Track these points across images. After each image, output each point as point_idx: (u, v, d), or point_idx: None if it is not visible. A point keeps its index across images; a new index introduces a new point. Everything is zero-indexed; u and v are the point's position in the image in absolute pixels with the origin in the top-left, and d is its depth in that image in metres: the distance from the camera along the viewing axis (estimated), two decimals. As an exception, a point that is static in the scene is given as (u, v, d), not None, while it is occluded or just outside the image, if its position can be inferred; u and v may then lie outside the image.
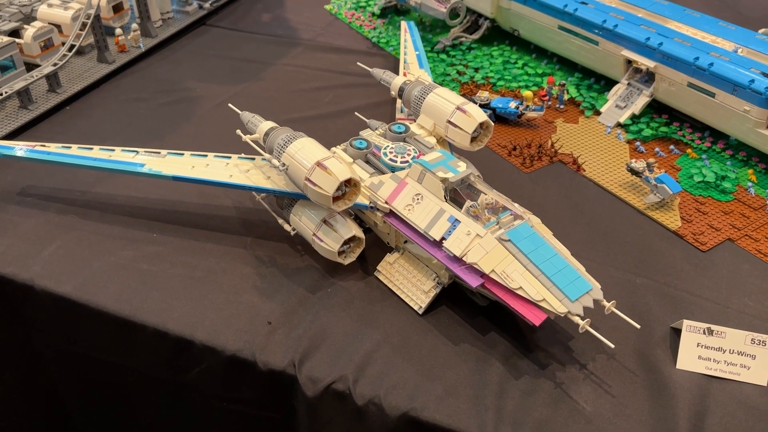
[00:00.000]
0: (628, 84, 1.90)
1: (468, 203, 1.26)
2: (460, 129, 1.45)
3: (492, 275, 1.19)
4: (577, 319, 1.13)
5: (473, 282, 1.20)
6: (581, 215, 1.59)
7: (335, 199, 1.30)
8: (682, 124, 1.85)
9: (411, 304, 1.34)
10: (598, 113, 1.93)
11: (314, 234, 1.35)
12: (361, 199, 1.36)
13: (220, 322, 1.31)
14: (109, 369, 1.43)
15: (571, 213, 1.60)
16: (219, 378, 1.32)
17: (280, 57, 2.27)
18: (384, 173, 1.40)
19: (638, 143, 1.81)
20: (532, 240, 1.21)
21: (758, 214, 1.57)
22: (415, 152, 1.43)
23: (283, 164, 1.32)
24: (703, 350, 1.23)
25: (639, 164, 1.60)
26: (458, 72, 2.15)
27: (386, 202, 1.34)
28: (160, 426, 1.48)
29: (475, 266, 1.20)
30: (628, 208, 1.61)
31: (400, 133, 1.49)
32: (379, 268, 1.40)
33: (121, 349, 1.38)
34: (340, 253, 1.36)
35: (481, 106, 1.91)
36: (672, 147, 1.79)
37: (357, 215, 1.48)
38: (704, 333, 1.23)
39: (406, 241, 1.41)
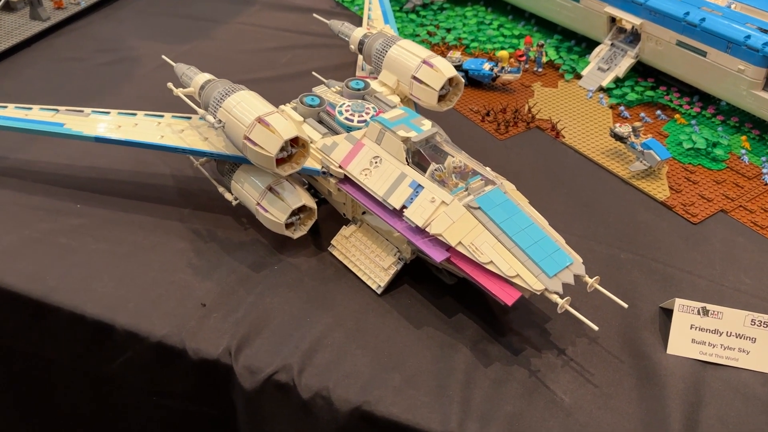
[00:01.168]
0: (612, 45, 1.75)
1: (433, 166, 1.10)
2: (427, 86, 1.28)
3: (459, 248, 1.03)
4: (555, 298, 0.98)
5: (437, 256, 1.04)
6: (560, 185, 1.44)
7: (280, 161, 1.13)
8: (670, 88, 1.70)
9: (369, 282, 1.18)
10: (579, 77, 1.78)
11: (258, 203, 1.18)
12: (312, 163, 1.19)
13: (146, 304, 1.14)
14: (21, 358, 1.25)
15: (549, 183, 1.45)
16: (146, 369, 1.15)
17: (234, 15, 2.08)
18: (339, 134, 1.23)
19: (622, 108, 1.66)
20: (505, 208, 1.05)
21: (753, 184, 1.43)
22: (375, 111, 1.26)
23: (219, 121, 1.14)
24: (697, 333, 1.08)
25: (623, 129, 1.45)
26: (429, 33, 1.98)
27: (340, 167, 1.17)
28: (84, 425, 1.31)
29: (440, 238, 1.04)
30: (611, 177, 1.46)
31: (359, 89, 1.31)
32: (333, 242, 1.24)
33: (34, 336, 1.20)
34: (288, 225, 1.19)
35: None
36: (659, 112, 1.64)
37: (309, 183, 1.31)
38: (698, 313, 1.09)
39: (364, 212, 1.24)
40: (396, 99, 1.34)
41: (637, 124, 1.45)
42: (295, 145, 1.12)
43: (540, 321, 1.13)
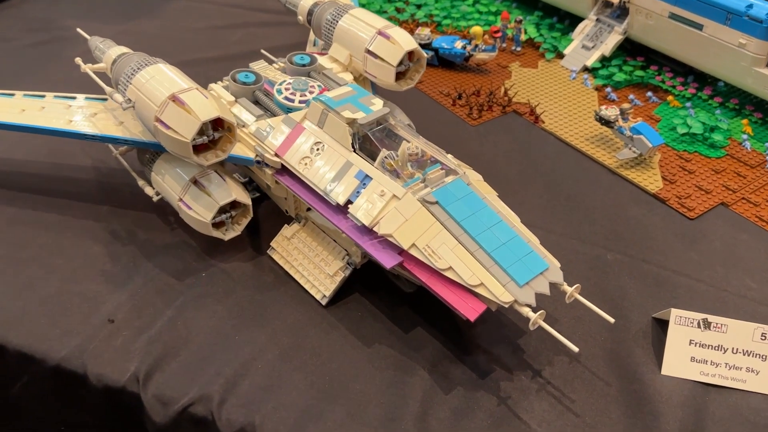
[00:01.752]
0: (597, 20, 1.58)
1: (383, 153, 0.92)
2: (382, 60, 1.10)
3: (413, 252, 0.85)
4: (526, 312, 0.80)
5: (386, 261, 0.87)
6: (538, 175, 1.27)
7: (201, 148, 0.94)
8: (661, 67, 1.53)
9: (312, 292, 1.00)
10: (561, 56, 1.60)
11: (180, 199, 0.99)
12: (245, 151, 1.01)
13: (44, 320, 0.95)
14: None
15: (526, 173, 1.28)
16: (47, 396, 0.96)
17: (181, -8, 1.89)
18: (277, 116, 1.04)
19: (609, 90, 1.48)
20: (468, 202, 0.88)
21: (756, 173, 1.27)
22: (320, 89, 1.07)
23: (128, 100, 0.96)
24: (697, 349, 0.91)
25: (610, 112, 1.28)
26: (397, 9, 1.80)
27: (276, 155, 0.99)
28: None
29: (390, 239, 0.86)
30: (596, 166, 1.29)
31: (304, 65, 1.13)
32: (272, 244, 1.06)
33: None
34: (217, 225, 1.01)
35: (421, 46, 1.56)
36: (649, 94, 1.47)
37: (248, 174, 1.13)
38: (698, 326, 0.92)
39: (309, 209, 1.06)
40: (348, 77, 1.16)
41: (626, 106, 1.28)
42: (220, 128, 0.94)
43: (512, 336, 0.96)
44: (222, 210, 1.00)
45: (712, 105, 1.43)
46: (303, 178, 0.96)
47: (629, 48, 1.57)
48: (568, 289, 0.84)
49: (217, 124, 0.94)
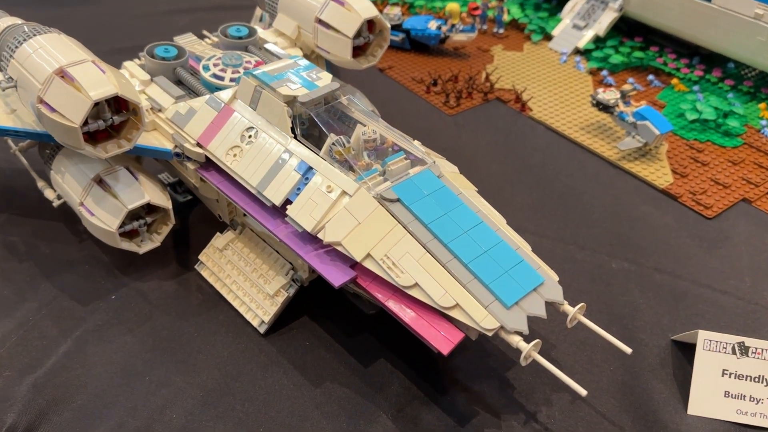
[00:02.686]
0: (589, -4, 1.40)
1: (331, 139, 0.72)
2: (336, 31, 0.91)
3: (368, 264, 0.66)
4: (516, 341, 0.61)
5: (334, 278, 0.67)
6: (527, 170, 1.08)
7: (100, 137, 0.75)
8: (663, 48, 1.35)
9: (248, 317, 0.80)
10: (549, 38, 1.42)
11: (81, 203, 0.79)
12: (162, 142, 0.81)
13: None
14: None
15: (512, 168, 1.09)
16: None
17: (124, -25, 1.69)
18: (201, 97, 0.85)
19: (605, 74, 1.30)
20: (440, 199, 0.68)
21: (780, 164, 1.09)
22: (258, 63, 0.88)
23: (9, 78, 0.76)
24: (732, 382, 0.73)
25: (609, 95, 1.10)
26: (364, -8, 1.61)
27: (198, 144, 0.79)
28: None
29: (339, 249, 0.67)
30: (594, 159, 1.10)
31: (240, 38, 0.93)
32: (201, 257, 0.86)
33: None
34: (129, 234, 0.81)
35: (391, 28, 1.37)
36: (651, 77, 1.29)
37: (177, 173, 0.93)
38: (733, 352, 0.73)
39: (246, 213, 0.87)
40: (297, 53, 0.97)
41: (627, 87, 1.09)
42: (123, 110, 0.74)
43: (499, 368, 0.77)
44: (133, 216, 0.80)
45: (723, 88, 1.25)
46: (231, 173, 0.76)
47: (625, 28, 1.39)
48: (570, 310, 0.64)
49: (121, 105, 0.74)
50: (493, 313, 0.61)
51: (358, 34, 0.91)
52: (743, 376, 0.72)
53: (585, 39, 1.35)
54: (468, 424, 0.71)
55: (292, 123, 0.74)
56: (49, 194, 0.87)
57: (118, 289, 0.84)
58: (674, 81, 1.26)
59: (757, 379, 0.72)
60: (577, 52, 1.36)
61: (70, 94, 0.70)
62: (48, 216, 0.94)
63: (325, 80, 0.77)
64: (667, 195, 1.03)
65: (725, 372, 0.73)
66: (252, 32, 0.94)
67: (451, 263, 0.64)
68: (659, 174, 1.06)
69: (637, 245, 0.94)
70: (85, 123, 0.71)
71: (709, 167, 1.07)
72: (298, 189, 0.71)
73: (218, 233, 0.86)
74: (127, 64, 0.90)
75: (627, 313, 0.84)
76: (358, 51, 0.95)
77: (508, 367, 0.77)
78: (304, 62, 0.80)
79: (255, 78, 0.76)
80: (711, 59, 1.31)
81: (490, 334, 0.61)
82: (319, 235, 0.68)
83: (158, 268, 0.87)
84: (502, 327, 0.61)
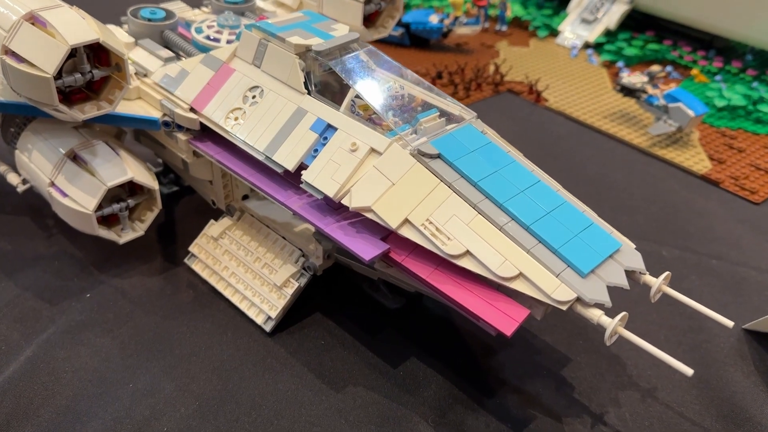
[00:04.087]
0: (597, -10, 1.34)
1: (353, 92, 0.61)
2: (345, -3, 0.81)
3: (405, 232, 0.54)
4: (598, 316, 0.49)
5: (365, 252, 0.55)
6: (551, 159, 0.98)
7: (73, 98, 0.63)
8: (676, 42, 1.28)
9: (251, 313, 0.68)
10: (555, 35, 1.35)
11: (52, 183, 0.67)
12: (147, 111, 0.69)
13: None
14: None
15: (535, 157, 0.97)
16: None
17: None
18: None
19: (621, 65, 1.22)
20: (488, 154, 0.57)
21: (821, 149, 1.01)
22: (258, 29, 0.77)
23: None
24: (829, 371, 0.62)
25: (635, 79, 1.01)
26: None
27: (192, 109, 0.67)
28: None
29: (369, 215, 0.55)
30: (622, 146, 1.02)
31: (236, 3, 0.83)
32: (192, 249, 0.73)
33: None
34: (108, 221, 0.68)
35: (387, 23, 1.28)
36: (669, 68, 1.22)
37: (163, 159, 0.81)
38: (826, 336, 0.63)
39: (245, 196, 0.75)
40: (299, 25, 0.86)
41: (656, 68, 1.01)
42: (104, 65, 0.63)
43: (551, 365, 0.65)
44: (113, 198, 0.68)
45: (746, 79, 1.18)
46: (232, 139, 0.64)
47: (633, 24, 1.33)
48: (653, 281, 0.54)
49: (102, 59, 0.62)
50: (567, 282, 0.50)
51: (368, 0, 0.82)
52: (842, 364, 0.62)
53: (595, 33, 1.28)
54: (525, 430, 0.59)
55: (305, 78, 0.63)
56: (12, 179, 0.74)
57: (93, 287, 0.71)
58: (694, 72, 1.19)
59: None
60: (588, 46, 1.29)
61: (42, 39, 0.58)
62: (10, 209, 0.81)
63: (340, 30, 0.67)
64: (707, 181, 0.94)
65: (821, 359, 0.62)
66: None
67: (510, 226, 0.53)
68: (696, 160, 0.97)
69: (685, 232, 0.84)
70: (60, 76, 0.59)
71: (747, 153, 0.99)
72: (315, 151, 0.60)
73: (212, 221, 0.74)
74: (108, 26, 0.79)
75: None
76: (366, 22, 0.85)
77: (563, 365, 0.65)
78: (315, 14, 0.70)
79: (259, 30, 0.66)
80: (727, 52, 1.25)
81: (564, 307, 0.50)
82: (344, 201, 0.56)
83: (141, 263, 0.74)
84: (578, 299, 0.50)
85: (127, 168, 0.68)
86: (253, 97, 0.65)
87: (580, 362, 0.65)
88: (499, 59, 1.25)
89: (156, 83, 0.70)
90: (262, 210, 0.72)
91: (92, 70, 0.62)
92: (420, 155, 0.56)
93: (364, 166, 0.57)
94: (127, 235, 0.71)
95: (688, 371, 0.48)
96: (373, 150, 0.58)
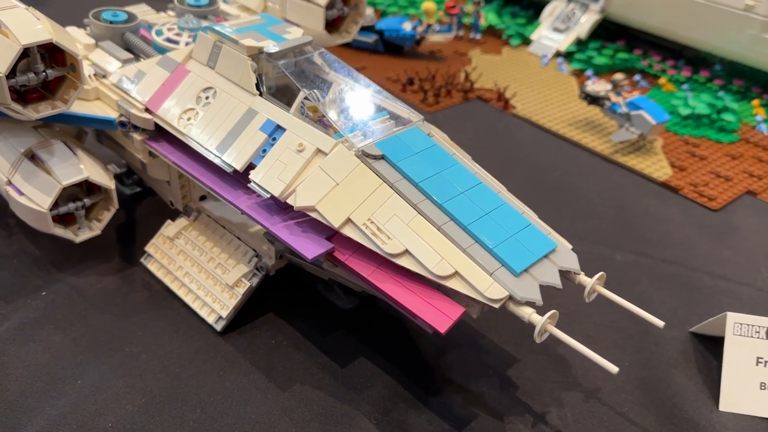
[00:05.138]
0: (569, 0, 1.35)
1: (303, 94, 0.62)
2: (308, 0, 0.82)
3: (347, 231, 0.55)
4: (529, 314, 0.50)
5: (308, 250, 0.56)
6: (515, 165, 0.99)
7: (28, 98, 0.64)
8: (647, 51, 1.30)
9: (203, 313, 0.69)
10: (528, 43, 1.36)
11: (9, 181, 0.68)
12: (105, 111, 0.70)
13: None
14: None
15: (498, 162, 1.00)
16: None
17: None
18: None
19: (589, 74, 1.24)
20: (431, 157, 0.58)
21: (781, 158, 1.02)
22: (218, 31, 0.78)
23: None
24: (769, 372, 0.63)
25: (599, 87, 1.03)
26: None
27: (147, 109, 0.68)
28: None
29: (313, 215, 0.56)
30: (586, 153, 1.03)
31: (200, 7, 0.84)
32: (148, 249, 0.74)
33: None
34: (62, 220, 0.69)
35: (362, 29, 1.30)
36: (638, 78, 1.23)
37: (129, 163, 0.82)
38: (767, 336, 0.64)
39: (203, 197, 0.75)
40: (263, 31, 0.87)
41: (619, 77, 1.03)
42: (60, 65, 0.64)
43: (499, 366, 0.66)
44: (70, 197, 0.69)
45: (713, 88, 1.19)
46: (184, 139, 0.65)
47: (605, 33, 1.35)
48: (587, 281, 0.54)
49: (57, 59, 0.63)
50: (500, 280, 0.51)
51: (331, 5, 0.83)
52: (781, 366, 0.63)
53: (566, 41, 1.30)
54: (466, 428, 0.59)
55: (256, 79, 0.65)
56: (-29, 177, 0.75)
57: (50, 284, 0.72)
58: (662, 81, 1.20)
59: (797, 369, 0.63)
60: (559, 54, 1.31)
61: (-7, 39, 0.59)
62: (-28, 209, 0.82)
63: (293, 33, 0.68)
64: (668, 188, 0.95)
65: (760, 360, 0.63)
66: (212, 2, 0.85)
67: (448, 226, 0.54)
68: (657, 167, 0.98)
69: (641, 237, 0.86)
70: (13, 75, 0.60)
71: (708, 161, 1.00)
72: (264, 151, 0.61)
73: (169, 221, 0.74)
74: (68, 29, 0.80)
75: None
76: (330, 27, 0.87)
77: (509, 365, 0.66)
78: (271, 17, 0.71)
79: (214, 32, 0.67)
80: (697, 62, 1.26)
81: (497, 305, 0.51)
82: (290, 201, 0.57)
83: (99, 262, 0.75)
84: (511, 297, 0.51)
85: (83, 167, 0.69)
86: (207, 98, 0.66)
87: (526, 362, 0.66)
88: (470, 67, 1.26)
89: (114, 84, 0.71)
90: (219, 210, 0.73)
91: (47, 70, 0.63)
92: (364, 156, 0.57)
93: (311, 167, 0.58)
94: (83, 234, 0.72)
95: (613, 369, 0.49)
96: (319, 151, 0.59)
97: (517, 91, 1.18)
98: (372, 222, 0.55)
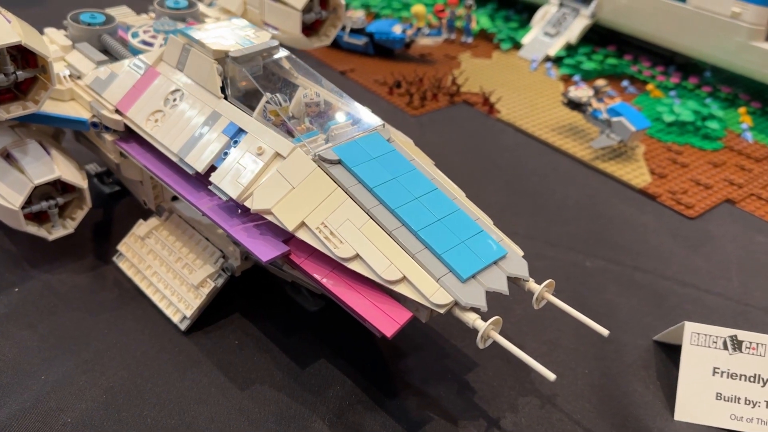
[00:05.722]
0: (561, 4, 1.35)
1: (265, 98, 0.63)
2: (284, 4, 0.83)
3: (301, 234, 0.56)
4: (473, 320, 0.51)
5: (262, 252, 0.57)
6: (495, 169, 1.00)
7: (1, 97, 0.65)
8: (637, 57, 1.30)
9: (168, 312, 0.70)
10: (518, 47, 1.36)
11: (-18, 179, 0.69)
12: (79, 112, 0.71)
13: None
14: None
15: (479, 166, 1.00)
16: None
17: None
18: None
19: (577, 79, 1.24)
20: (388, 163, 0.59)
21: (764, 167, 1.02)
22: (194, 34, 0.79)
23: None
24: (725, 382, 0.63)
25: (581, 92, 1.03)
26: None
27: (117, 111, 0.69)
28: None
29: (269, 218, 0.57)
30: (566, 159, 1.03)
31: (178, 10, 0.85)
32: (120, 248, 0.75)
33: None
34: (35, 217, 0.71)
35: (353, 32, 1.31)
36: (625, 84, 1.23)
37: (103, 161, 0.83)
38: (724, 346, 0.64)
39: (175, 197, 0.77)
40: (242, 34, 0.88)
41: (601, 83, 1.03)
42: (31, 67, 0.65)
43: (457, 369, 0.66)
44: (43, 195, 0.70)
45: (701, 95, 1.19)
46: (150, 140, 0.66)
47: (596, 38, 1.34)
48: (536, 287, 0.55)
49: (30, 60, 0.65)
50: (446, 286, 0.52)
51: (309, 9, 0.84)
52: (737, 375, 0.63)
53: (556, 46, 1.30)
54: (419, 431, 0.60)
55: (222, 83, 0.66)
56: (-50, 175, 0.77)
57: (23, 281, 0.73)
58: (650, 87, 1.20)
59: (752, 379, 0.63)
60: (548, 59, 1.31)
61: (-40, 40, 0.61)
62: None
63: (262, 38, 0.69)
64: (645, 195, 0.95)
65: (716, 370, 0.63)
66: (192, 5, 0.86)
67: (399, 231, 0.54)
68: (636, 174, 0.98)
69: (614, 244, 0.86)
70: (-19, 76, 0.62)
71: (690, 168, 1.00)
72: (225, 154, 0.62)
73: (141, 220, 0.76)
74: (48, 30, 0.81)
75: (604, 312, 0.75)
76: (309, 31, 0.88)
77: (468, 369, 0.66)
78: (243, 22, 0.72)
79: (183, 35, 0.68)
80: (687, 68, 1.26)
81: (442, 311, 0.51)
82: (246, 203, 0.58)
83: (72, 260, 0.76)
84: (456, 303, 0.51)
85: (55, 167, 0.70)
86: (174, 100, 0.67)
87: (486, 367, 0.66)
88: (459, 70, 1.27)
89: (88, 86, 0.72)
90: (189, 211, 0.74)
91: (17, 71, 0.64)
92: (321, 161, 0.58)
93: (269, 170, 0.59)
94: (57, 232, 0.73)
95: (551, 376, 0.49)
96: (278, 154, 0.59)
97: (503, 95, 1.18)
98: (325, 226, 0.55)
